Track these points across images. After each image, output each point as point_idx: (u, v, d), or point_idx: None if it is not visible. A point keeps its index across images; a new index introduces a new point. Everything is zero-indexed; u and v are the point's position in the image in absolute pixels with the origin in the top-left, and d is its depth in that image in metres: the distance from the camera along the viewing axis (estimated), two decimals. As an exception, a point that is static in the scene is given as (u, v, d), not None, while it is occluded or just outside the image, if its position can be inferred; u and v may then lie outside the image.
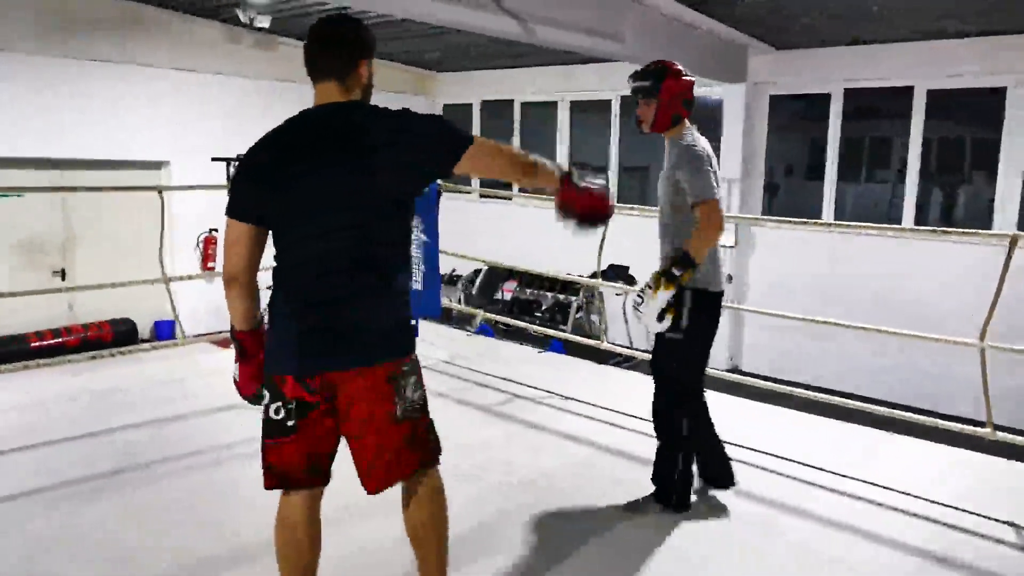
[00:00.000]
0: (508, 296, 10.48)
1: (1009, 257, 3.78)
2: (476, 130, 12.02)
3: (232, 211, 2.21)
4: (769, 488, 3.66)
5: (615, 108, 10.48)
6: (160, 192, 5.05)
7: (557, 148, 10.93)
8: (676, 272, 3.04)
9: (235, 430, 4.13)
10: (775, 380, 5.31)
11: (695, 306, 3.20)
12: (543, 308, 10.13)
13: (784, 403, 4.79)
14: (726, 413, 4.72)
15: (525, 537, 3.17)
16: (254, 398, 2.32)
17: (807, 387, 5.11)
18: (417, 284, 5.18)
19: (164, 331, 9.34)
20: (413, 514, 2.32)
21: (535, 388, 5.13)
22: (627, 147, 10.60)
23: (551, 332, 6.45)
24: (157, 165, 9.42)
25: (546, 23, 6.39)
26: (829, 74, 8.79)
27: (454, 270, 10.94)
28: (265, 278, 2.22)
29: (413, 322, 2.48)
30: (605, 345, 5.60)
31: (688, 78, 3.28)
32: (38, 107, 8.37)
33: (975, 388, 3.93)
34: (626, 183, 10.74)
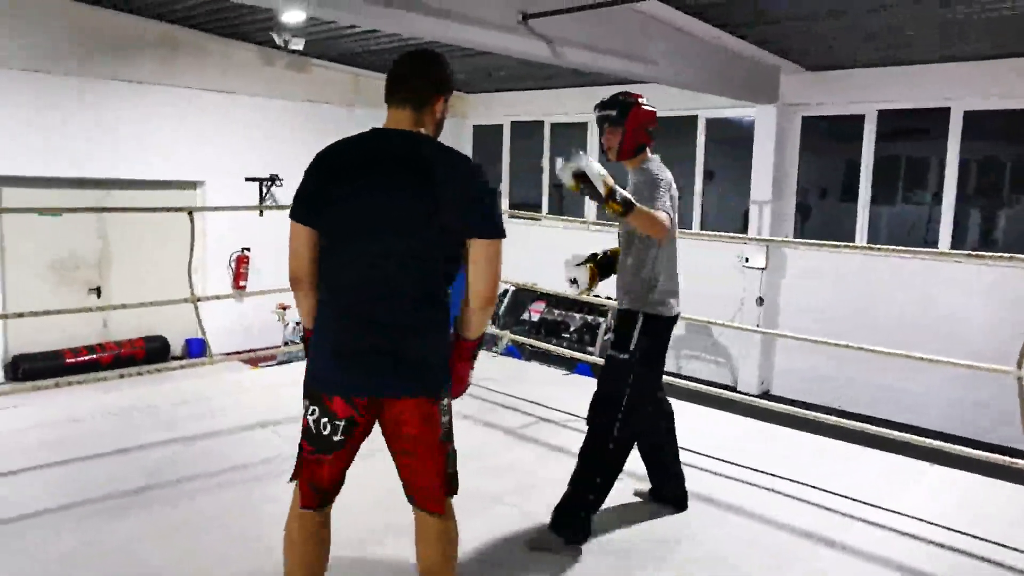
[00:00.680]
0: (536, 317, 10.45)
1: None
2: (506, 151, 12.08)
3: (295, 213, 2.26)
4: (792, 516, 3.58)
5: (645, 129, 10.46)
6: (190, 213, 5.11)
7: (586, 169, 10.92)
8: (606, 189, 2.87)
9: (263, 448, 4.14)
10: (806, 405, 5.21)
11: (645, 329, 3.21)
12: (571, 329, 10.09)
13: (815, 430, 4.68)
14: (755, 439, 4.66)
15: (551, 564, 3.12)
16: None
17: (839, 413, 5.00)
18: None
19: (195, 349, 9.46)
20: (425, 553, 2.34)
21: (561, 411, 5.08)
22: (657, 168, 10.56)
23: (577, 355, 6.40)
24: (192, 185, 9.59)
25: (576, 46, 6.41)
26: (863, 95, 8.71)
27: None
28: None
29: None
30: (633, 368, 5.53)
31: (651, 108, 3.33)
32: (78, 127, 8.58)
33: (1012, 415, 3.82)
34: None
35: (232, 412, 4.81)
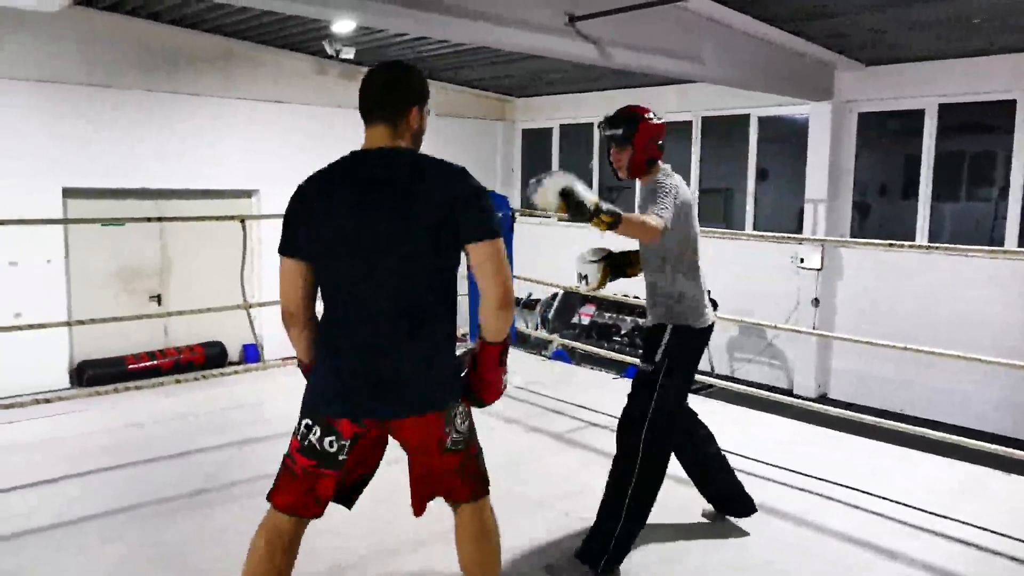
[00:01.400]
0: (586, 320, 10.39)
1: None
2: (555, 155, 12.06)
3: (282, 248, 2.24)
4: (848, 524, 3.47)
5: (696, 129, 10.33)
6: (242, 221, 5.22)
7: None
8: (593, 205, 2.71)
9: (312, 453, 4.20)
10: (864, 408, 5.06)
11: (672, 341, 3.08)
12: (622, 333, 10.00)
13: (872, 434, 4.54)
14: (811, 443, 4.54)
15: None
16: None
17: (898, 417, 4.85)
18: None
19: (252, 354, 9.66)
20: (465, 553, 2.32)
21: (610, 415, 5.03)
22: (708, 168, 10.43)
23: (628, 358, 6.34)
24: (247, 194, 9.82)
25: (623, 46, 6.36)
26: (922, 90, 8.45)
27: (530, 294, 10.93)
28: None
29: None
30: (683, 372, 5.45)
31: (658, 122, 3.22)
32: (140, 140, 8.86)
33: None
34: (706, 205, 10.55)
35: (285, 416, 4.88)
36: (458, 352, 2.31)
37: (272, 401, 5.34)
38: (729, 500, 3.45)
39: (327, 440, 2.18)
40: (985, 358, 4.32)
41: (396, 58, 9.68)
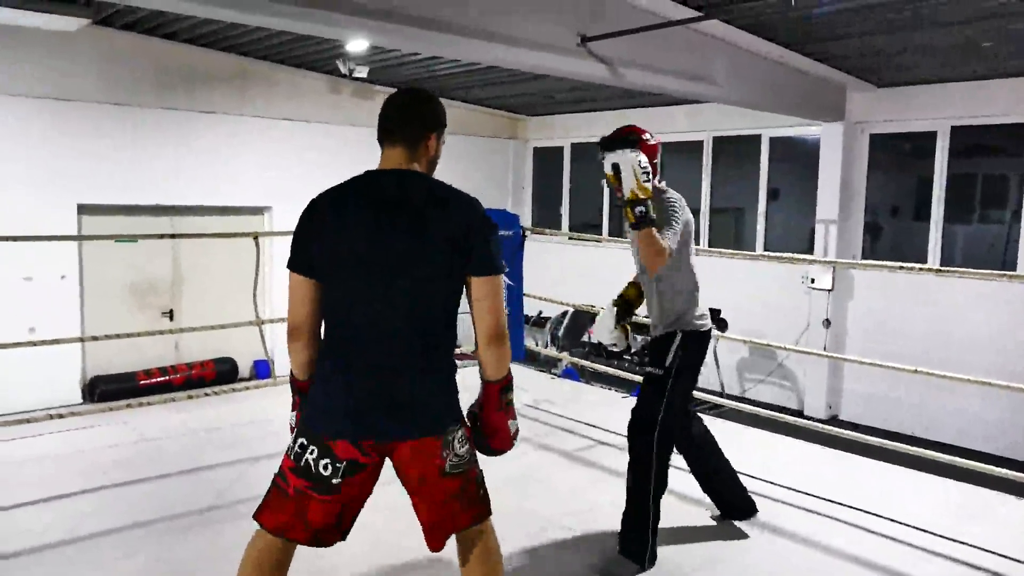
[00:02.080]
0: (595, 339, 10.38)
1: None
2: (566, 173, 12.11)
3: (292, 264, 2.25)
4: (858, 547, 3.45)
5: (707, 149, 10.36)
6: (255, 238, 5.27)
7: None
8: (631, 195, 2.96)
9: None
10: (876, 431, 5.04)
11: (682, 346, 3.28)
12: (631, 351, 9.98)
13: (884, 457, 4.52)
14: (821, 465, 4.51)
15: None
16: None
17: (910, 439, 4.82)
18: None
19: (263, 370, 9.69)
20: (469, 574, 2.29)
21: (618, 434, 5.02)
22: (719, 188, 10.45)
23: (636, 377, 6.33)
24: (260, 211, 9.89)
25: (635, 67, 6.40)
26: (935, 112, 8.45)
27: (540, 312, 10.94)
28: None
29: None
30: (693, 392, 5.44)
31: (654, 143, 3.34)
32: (155, 157, 8.96)
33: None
34: (718, 224, 10.56)
35: (295, 433, 4.91)
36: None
37: (283, 417, 5.33)
38: (732, 504, 3.67)
39: (322, 462, 2.15)
40: (996, 382, 4.30)
41: (409, 77, 9.78)
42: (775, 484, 4.15)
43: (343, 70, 9.00)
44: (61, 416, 4.65)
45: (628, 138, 3.24)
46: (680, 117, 10.35)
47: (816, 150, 9.30)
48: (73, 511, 3.78)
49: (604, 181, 3.12)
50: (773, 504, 3.92)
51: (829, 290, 9.03)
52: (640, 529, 3.23)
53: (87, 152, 8.51)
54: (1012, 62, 7.36)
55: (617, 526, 3.33)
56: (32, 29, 7.09)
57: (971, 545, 3.47)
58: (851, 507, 3.86)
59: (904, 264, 4.85)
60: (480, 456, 2.32)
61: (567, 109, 11.58)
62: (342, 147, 10.12)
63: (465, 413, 2.30)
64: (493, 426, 2.30)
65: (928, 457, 4.16)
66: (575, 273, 10.46)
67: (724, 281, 9.02)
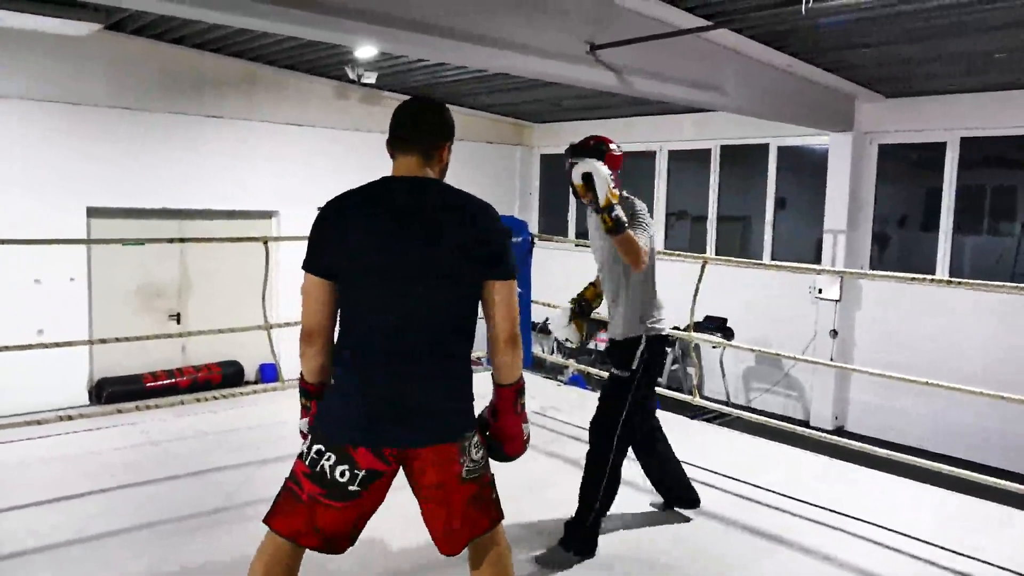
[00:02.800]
0: (602, 346, 10.37)
1: None
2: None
3: (309, 265, 2.23)
4: (865, 561, 3.43)
5: (715, 157, 10.36)
6: (265, 242, 5.29)
7: (655, 197, 10.87)
8: (606, 201, 3.13)
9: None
10: (882, 442, 5.02)
11: (646, 349, 3.43)
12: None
13: (891, 469, 4.50)
14: (827, 477, 4.50)
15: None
16: None
17: (918, 452, 4.81)
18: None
19: (269, 374, 9.71)
20: None
21: (626, 443, 5.01)
22: (726, 197, 10.44)
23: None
24: (268, 215, 9.92)
25: (644, 75, 6.41)
26: (944, 122, 8.44)
27: (547, 319, 10.93)
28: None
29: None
30: (698, 400, 5.45)
31: (619, 153, 3.52)
32: (163, 161, 9.00)
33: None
34: (724, 233, 10.55)
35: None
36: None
37: (291, 421, 5.33)
38: (676, 495, 3.86)
39: (339, 469, 2.13)
40: (1007, 395, 4.28)
41: (417, 83, 9.81)
42: (780, 494, 4.14)
43: (351, 76, 9.03)
44: (70, 418, 4.67)
45: (598, 147, 3.44)
46: (688, 125, 10.35)
47: (824, 160, 9.29)
48: (81, 512, 3.78)
49: (571, 189, 3.28)
50: (779, 515, 3.91)
51: (837, 300, 9.01)
52: (585, 519, 3.39)
53: (96, 156, 8.55)
54: (1020, 73, 7.35)
55: (626, 532, 3.45)
56: (43, 34, 7.14)
57: (979, 559, 3.45)
58: (857, 519, 3.84)
59: (915, 276, 4.83)
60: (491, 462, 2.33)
61: (574, 116, 11.60)
62: (349, 152, 10.15)
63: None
64: (508, 431, 2.30)
65: (936, 470, 4.14)
66: (582, 280, 10.41)
67: (731, 290, 9.02)
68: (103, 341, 5.13)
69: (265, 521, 2.22)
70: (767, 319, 9.38)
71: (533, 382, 6.55)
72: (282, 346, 5.58)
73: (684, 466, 4.55)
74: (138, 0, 4.73)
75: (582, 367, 7.47)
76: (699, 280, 5.24)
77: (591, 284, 3.98)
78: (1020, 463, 7.28)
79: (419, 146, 2.26)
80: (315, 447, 2.19)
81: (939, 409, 8.09)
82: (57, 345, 5.00)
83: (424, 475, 2.19)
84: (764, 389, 9.86)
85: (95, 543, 3.47)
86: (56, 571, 3.24)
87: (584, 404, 6.02)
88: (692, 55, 6.77)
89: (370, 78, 9.08)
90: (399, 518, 2.71)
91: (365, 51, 8.05)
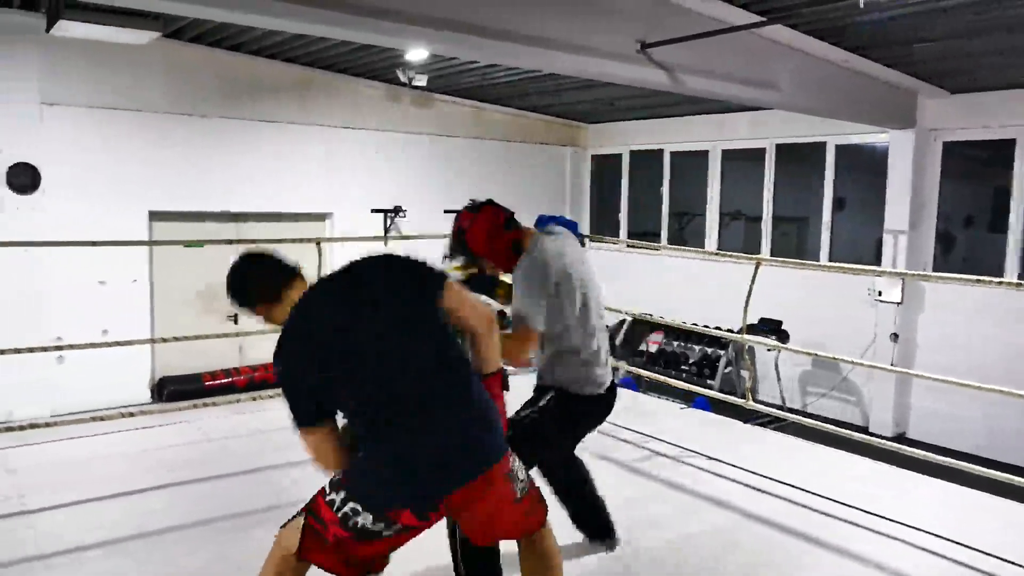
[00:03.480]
0: (654, 348, 10.27)
1: None
2: (625, 180, 12.02)
3: (302, 420, 2.28)
4: (927, 573, 3.32)
5: (770, 157, 10.16)
6: (318, 243, 5.36)
7: (708, 197, 10.70)
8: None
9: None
10: (946, 450, 4.85)
11: (556, 402, 3.01)
12: (690, 362, 9.84)
13: (955, 478, 4.34)
14: (887, 485, 4.36)
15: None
16: None
17: (984, 461, 4.63)
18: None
19: (322, 373, 9.83)
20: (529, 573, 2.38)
21: (676, 445, 4.95)
22: (781, 196, 10.23)
23: (695, 388, 6.24)
24: (321, 217, 10.07)
25: (696, 73, 6.32)
26: (1012, 119, 8.11)
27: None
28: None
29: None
30: (751, 404, 5.34)
31: (484, 215, 3.00)
32: (221, 165, 9.21)
33: None
34: (780, 234, 10.34)
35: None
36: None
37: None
38: (595, 524, 3.45)
39: (376, 526, 2.15)
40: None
41: (467, 85, 9.85)
42: (839, 503, 4.03)
43: (403, 79, 9.11)
44: (132, 415, 4.80)
45: (459, 239, 3.02)
46: (742, 124, 10.17)
47: (884, 158, 9.02)
48: (142, 507, 3.89)
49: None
50: (839, 524, 3.80)
51: (898, 303, 8.74)
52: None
53: (157, 161, 8.80)
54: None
55: (674, 538, 3.39)
56: (105, 43, 7.37)
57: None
58: (918, 529, 3.71)
59: (982, 278, 4.64)
60: None
61: (626, 116, 11.50)
62: (403, 155, 10.25)
63: None
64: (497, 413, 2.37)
65: (1002, 480, 3.97)
66: (635, 281, 10.35)
67: (786, 292, 8.82)
68: (164, 340, 5.27)
69: (302, 557, 2.21)
70: (824, 322, 9.15)
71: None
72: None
73: (742, 472, 4.49)
74: (202, 10, 4.85)
75: (632, 369, 7.40)
76: (752, 281, 5.13)
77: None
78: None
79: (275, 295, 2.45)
80: (349, 504, 2.17)
81: (1006, 417, 7.78)
82: (120, 344, 5.15)
83: (475, 505, 2.19)
84: (821, 394, 9.63)
85: (153, 538, 3.57)
86: (116, 566, 3.33)
87: (636, 408, 5.97)
88: (745, 52, 6.64)
89: (421, 80, 9.15)
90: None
91: (417, 54, 8.11)
